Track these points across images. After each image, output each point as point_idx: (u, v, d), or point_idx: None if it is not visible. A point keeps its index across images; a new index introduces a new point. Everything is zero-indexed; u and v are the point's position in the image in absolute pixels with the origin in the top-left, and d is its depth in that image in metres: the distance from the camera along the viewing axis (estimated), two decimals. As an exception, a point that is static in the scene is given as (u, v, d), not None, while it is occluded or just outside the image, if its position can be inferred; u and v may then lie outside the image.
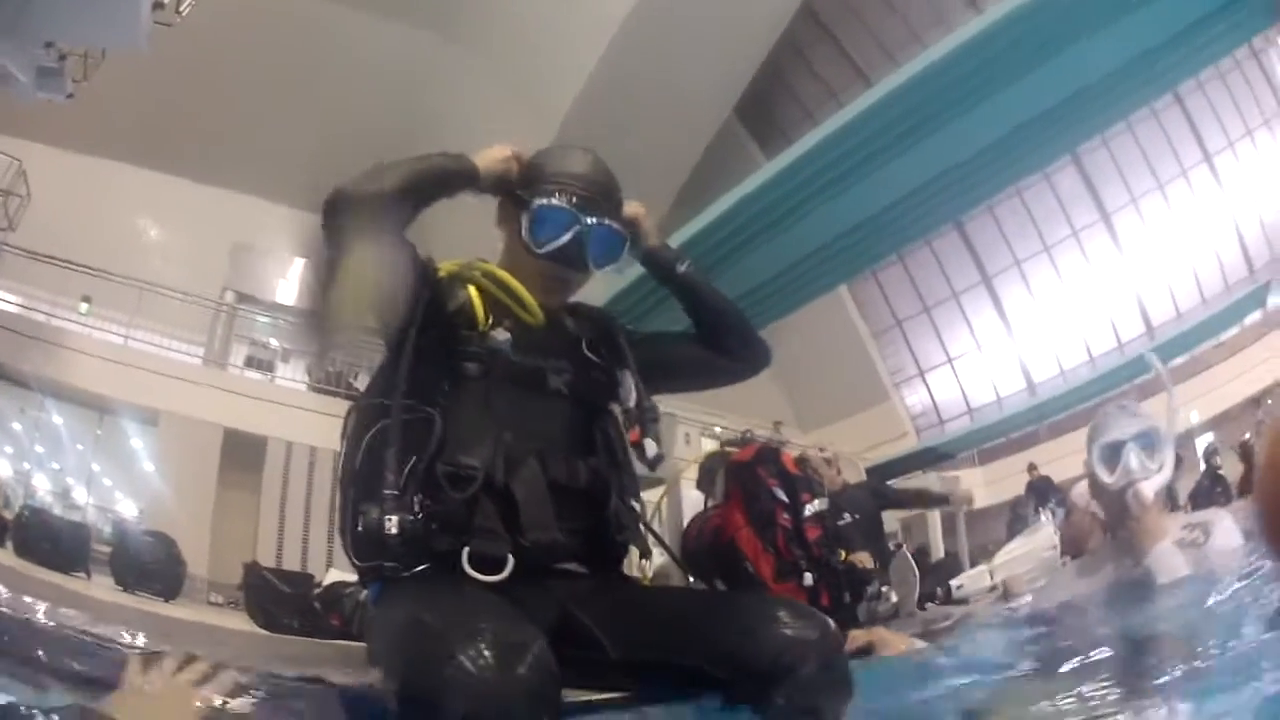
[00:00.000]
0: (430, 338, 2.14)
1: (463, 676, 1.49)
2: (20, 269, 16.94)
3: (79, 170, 19.92)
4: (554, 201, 2.30)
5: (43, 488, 16.85)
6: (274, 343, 20.58)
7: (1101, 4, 6.19)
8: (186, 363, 18.46)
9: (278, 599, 11.67)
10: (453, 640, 1.55)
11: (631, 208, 2.44)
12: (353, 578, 8.13)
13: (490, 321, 2.21)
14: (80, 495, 17.19)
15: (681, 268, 2.49)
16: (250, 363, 19.70)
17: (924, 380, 23.48)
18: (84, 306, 18.52)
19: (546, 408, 2.24)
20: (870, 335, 23.90)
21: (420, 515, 1.95)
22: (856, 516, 6.68)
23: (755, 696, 1.78)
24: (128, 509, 17.40)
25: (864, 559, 5.74)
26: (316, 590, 11.17)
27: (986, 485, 17.44)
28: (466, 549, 1.95)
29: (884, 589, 5.46)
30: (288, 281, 21.70)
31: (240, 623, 11.85)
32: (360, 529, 1.93)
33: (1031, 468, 12.75)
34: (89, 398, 16.84)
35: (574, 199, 2.30)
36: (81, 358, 16.48)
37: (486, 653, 1.52)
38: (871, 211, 7.70)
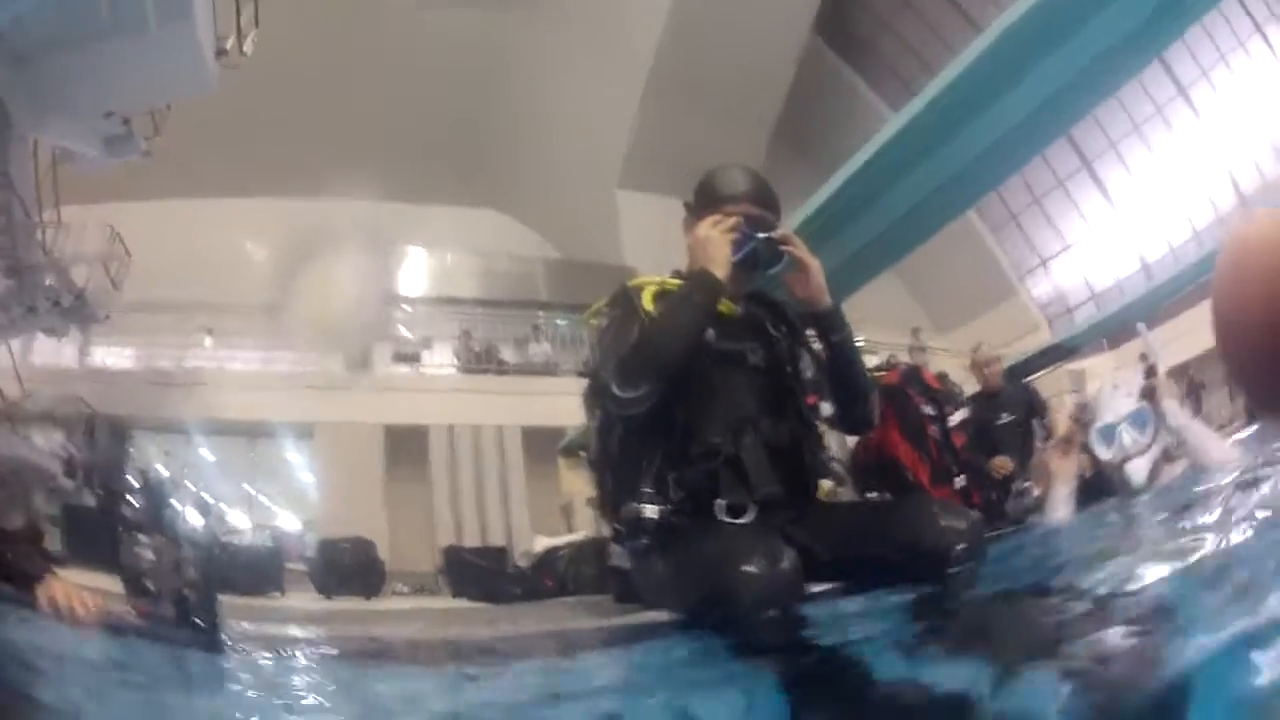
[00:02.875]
0: None
1: (750, 574, 2.19)
2: (142, 322, 17.27)
3: (173, 215, 20.08)
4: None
5: (210, 519, 16.54)
6: (403, 330, 20.75)
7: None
8: (330, 372, 18.79)
9: (480, 575, 12.41)
10: (737, 553, 2.26)
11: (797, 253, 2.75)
12: (559, 541, 8.94)
13: None
14: (242, 519, 17.58)
15: (838, 336, 2.83)
16: (397, 358, 20.01)
17: (1046, 269, 23.34)
18: (207, 340, 19.07)
19: (749, 382, 2.75)
20: (989, 231, 23.82)
21: (674, 498, 2.60)
22: (1013, 417, 7.07)
23: (924, 572, 2.41)
24: (295, 522, 17.86)
25: (1004, 464, 6.23)
26: (525, 557, 11.77)
27: (1117, 371, 17.36)
28: (721, 502, 2.59)
29: (1026, 484, 5.86)
30: (411, 274, 22.50)
31: (442, 603, 12.42)
32: (623, 516, 2.65)
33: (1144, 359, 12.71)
34: (235, 426, 17.36)
35: (748, 219, 2.71)
36: (220, 390, 17.05)
37: (761, 559, 2.22)
38: (990, 141, 7.86)
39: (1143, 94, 19.28)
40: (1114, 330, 14.58)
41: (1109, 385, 4.25)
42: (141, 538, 2.80)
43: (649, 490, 2.59)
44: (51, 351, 16.26)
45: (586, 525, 14.04)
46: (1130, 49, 7.31)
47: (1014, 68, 7.24)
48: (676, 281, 2.80)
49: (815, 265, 2.75)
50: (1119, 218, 21.50)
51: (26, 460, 11.81)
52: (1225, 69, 18.25)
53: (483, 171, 24.48)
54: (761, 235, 2.70)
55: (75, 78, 10.37)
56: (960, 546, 2.38)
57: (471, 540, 15.89)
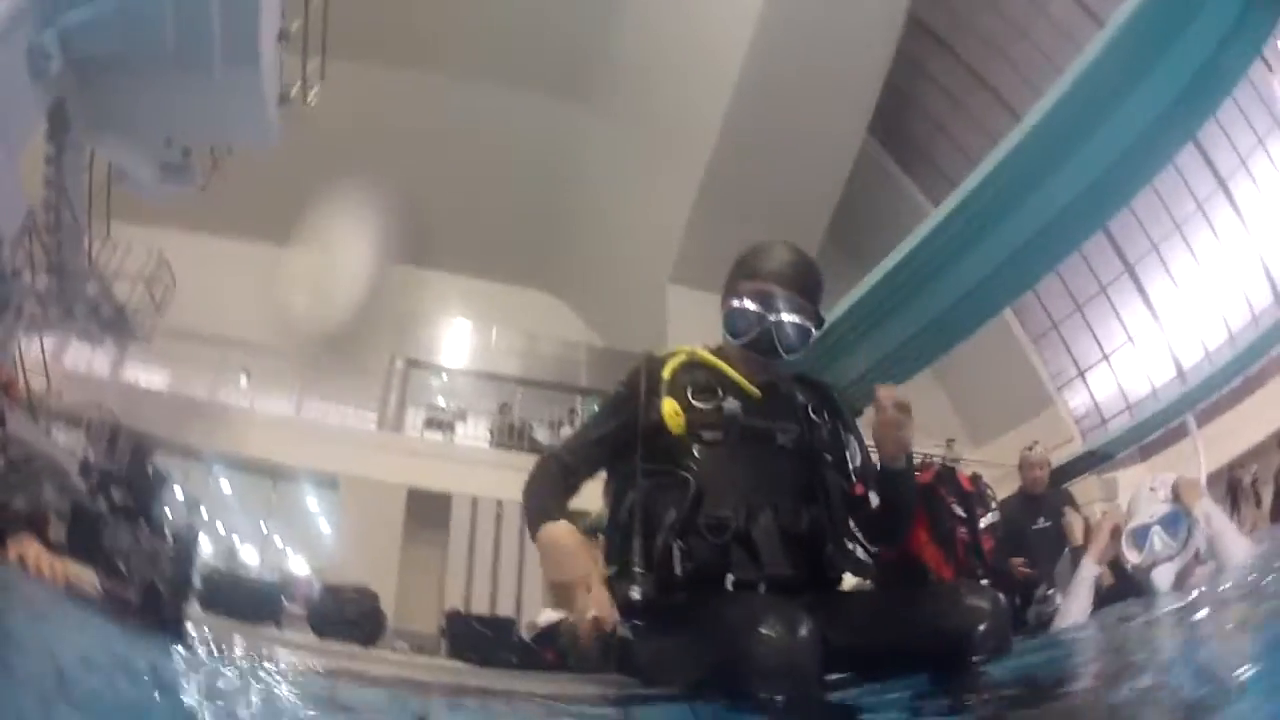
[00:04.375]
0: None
1: (767, 640, 2.06)
2: (179, 349, 17.57)
3: (221, 253, 20.60)
4: (744, 304, 2.71)
5: (216, 550, 16.82)
6: (441, 401, 21.28)
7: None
8: (362, 428, 19.31)
9: (481, 641, 12.27)
10: (753, 618, 2.12)
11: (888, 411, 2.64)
12: (564, 615, 8.76)
13: (687, 428, 2.59)
14: (253, 556, 17.79)
15: (892, 496, 2.74)
16: (430, 424, 20.19)
17: (1084, 381, 22.99)
18: (243, 379, 19.28)
19: (776, 462, 2.64)
20: (1030, 341, 23.58)
21: (681, 570, 2.47)
22: (1049, 523, 6.79)
23: (946, 657, 2.26)
24: (304, 567, 17.85)
25: (1020, 562, 6.09)
26: (529, 629, 11.66)
27: (1154, 473, 16.82)
28: (730, 575, 2.47)
29: (1050, 591, 5.70)
30: (454, 345, 22.55)
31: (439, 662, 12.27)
32: (624, 589, 2.46)
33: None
34: (260, 465, 17.59)
35: (763, 299, 2.69)
36: (250, 428, 17.33)
37: (778, 625, 2.08)
38: (1028, 235, 7.82)
39: (1183, 189, 18.92)
40: (1147, 437, 14.33)
41: (1145, 487, 4.11)
42: (124, 523, 2.76)
43: (658, 560, 2.46)
44: (83, 359, 16.38)
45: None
46: (1160, 131, 7.28)
47: (1045, 159, 7.24)
48: (707, 354, 2.80)
49: (890, 421, 2.63)
50: (1158, 323, 21.11)
51: (42, 451, 11.75)
52: (1264, 155, 17.78)
53: (536, 253, 24.83)
54: (775, 317, 2.68)
55: (135, 99, 10.48)
56: (984, 626, 2.25)
57: (479, 610, 15.70)
